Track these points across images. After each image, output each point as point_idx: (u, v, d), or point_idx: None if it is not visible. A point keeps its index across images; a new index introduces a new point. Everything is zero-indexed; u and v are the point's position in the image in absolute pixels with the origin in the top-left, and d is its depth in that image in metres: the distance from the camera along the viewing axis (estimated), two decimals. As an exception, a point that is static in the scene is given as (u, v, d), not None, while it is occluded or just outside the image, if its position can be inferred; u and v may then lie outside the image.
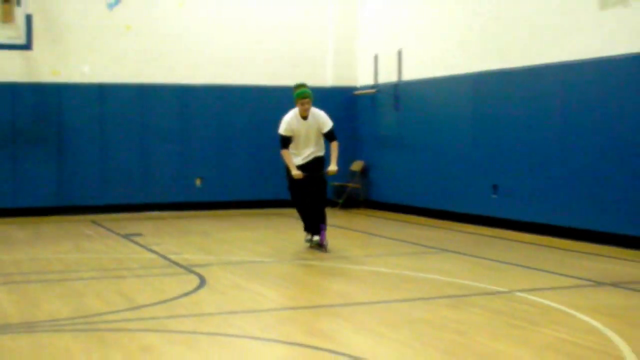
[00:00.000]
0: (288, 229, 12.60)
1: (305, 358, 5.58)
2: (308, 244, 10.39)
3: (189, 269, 8.89)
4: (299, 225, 10.83)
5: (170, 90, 15.02)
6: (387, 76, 15.20)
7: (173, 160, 15.05)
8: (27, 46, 13.87)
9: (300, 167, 10.10)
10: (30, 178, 14.10)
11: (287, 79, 14.93)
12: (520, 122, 12.02)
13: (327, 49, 16.11)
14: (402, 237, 11.77)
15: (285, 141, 10.10)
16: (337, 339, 6.03)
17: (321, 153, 10.24)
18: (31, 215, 14.03)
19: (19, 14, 13.82)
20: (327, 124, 10.09)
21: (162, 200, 15.02)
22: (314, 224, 10.20)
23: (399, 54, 14.88)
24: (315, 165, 10.18)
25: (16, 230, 12.56)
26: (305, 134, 10.08)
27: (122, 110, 14.71)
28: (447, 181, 13.62)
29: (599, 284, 8.17)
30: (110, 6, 14.60)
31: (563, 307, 6.97)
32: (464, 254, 10.07)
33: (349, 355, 5.47)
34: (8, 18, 13.69)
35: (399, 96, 14.88)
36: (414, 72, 14.51)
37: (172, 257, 9.77)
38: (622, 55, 10.35)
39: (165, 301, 7.24)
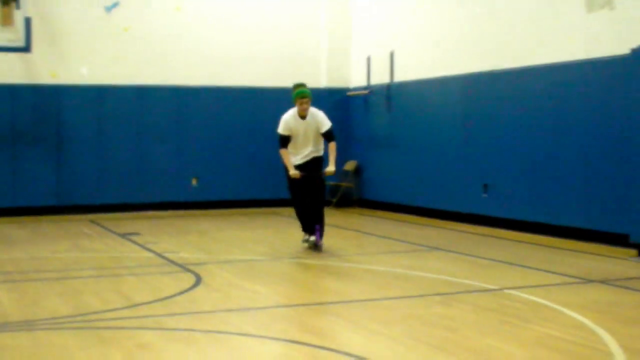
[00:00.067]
0: (283, 228, 12.64)
1: (300, 355, 5.59)
2: (305, 244, 10.33)
3: (185, 268, 8.91)
4: (294, 224, 10.84)
5: (167, 92, 15.08)
6: (380, 77, 15.29)
7: (170, 160, 15.10)
8: (26, 49, 13.91)
9: (298, 167, 10.07)
10: (29, 178, 14.16)
11: (282, 80, 15.08)
12: (509, 122, 12.11)
13: (321, 51, 16.20)
14: (394, 236, 11.80)
15: (284, 140, 10.06)
16: (331, 335, 6.09)
17: (320, 153, 10.20)
18: (30, 215, 14.07)
19: (18, 17, 13.87)
20: (326, 124, 10.04)
21: (160, 199, 15.06)
22: (312, 224, 10.17)
23: (391, 55, 14.98)
24: (313, 166, 10.14)
25: (15, 229, 12.59)
26: (303, 134, 10.03)
27: (120, 111, 14.76)
28: (439, 180, 13.70)
29: (587, 281, 8.23)
30: (108, 9, 14.65)
31: (552, 304, 7.01)
32: (455, 252, 10.12)
33: (343, 352, 5.51)
34: (8, 21, 13.72)
35: (392, 97, 14.97)
36: (405, 73, 14.59)
37: (169, 255, 9.79)
38: (608, 56, 10.45)
39: (162, 299, 7.27)
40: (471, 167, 12.91)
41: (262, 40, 15.71)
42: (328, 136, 10.07)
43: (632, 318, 6.70)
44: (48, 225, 13.10)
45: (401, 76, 14.74)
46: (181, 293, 7.57)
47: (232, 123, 15.51)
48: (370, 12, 15.70)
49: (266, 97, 15.40)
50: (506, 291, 7.66)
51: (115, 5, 14.69)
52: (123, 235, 11.73)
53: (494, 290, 7.75)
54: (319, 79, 16.02)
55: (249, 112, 15.56)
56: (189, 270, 8.75)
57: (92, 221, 13.61)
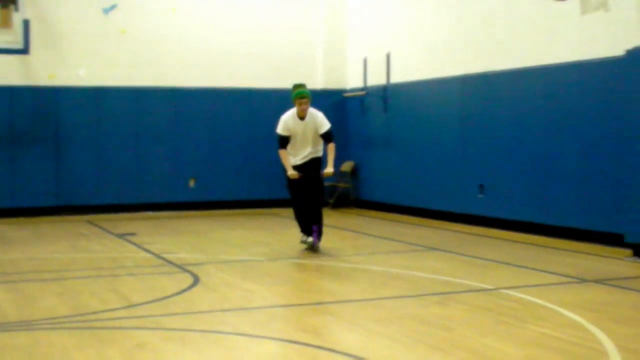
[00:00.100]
0: (280, 228, 12.66)
1: (296, 354, 5.60)
2: (303, 245, 10.32)
3: (182, 268, 8.93)
4: (291, 224, 10.85)
5: (164, 93, 15.12)
6: (376, 79, 15.33)
7: (167, 161, 15.13)
8: (24, 50, 13.94)
9: (297, 168, 10.06)
10: (28, 178, 14.18)
11: (278, 82, 15.16)
12: (505, 123, 12.16)
13: (317, 53, 16.24)
14: (391, 236, 11.84)
15: (283, 141, 10.03)
16: (328, 335, 6.12)
17: (319, 154, 10.18)
18: (29, 215, 14.10)
19: (17, 19, 13.90)
20: (325, 125, 10.01)
21: (157, 200, 15.10)
22: (309, 225, 10.15)
23: (388, 57, 15.01)
24: (312, 166, 10.12)
25: (14, 229, 12.61)
26: (302, 134, 10.01)
27: (118, 112, 14.80)
28: (435, 181, 13.74)
29: (583, 280, 8.26)
30: (106, 11, 14.68)
31: (548, 304, 7.03)
32: (452, 252, 10.15)
33: (340, 352, 5.53)
34: (6, 24, 13.74)
35: (388, 98, 15.01)
36: (402, 74, 14.63)
37: (166, 256, 9.81)
38: (603, 58, 10.50)
39: (159, 299, 7.28)
40: (467, 168, 12.95)
41: (258, 41, 15.75)
42: (327, 137, 10.05)
43: (627, 317, 6.72)
44: (46, 226, 13.11)
45: (397, 77, 14.77)
46: (179, 293, 7.59)
47: (229, 124, 15.54)
48: (367, 13, 15.73)
49: (263, 98, 15.44)
50: (502, 291, 7.68)
51: (112, 7, 14.73)
52: (121, 236, 11.74)
53: (490, 290, 7.77)
54: (316, 80, 16.05)
55: (246, 113, 15.60)
56: (186, 271, 8.77)
57: (89, 222, 13.63)
